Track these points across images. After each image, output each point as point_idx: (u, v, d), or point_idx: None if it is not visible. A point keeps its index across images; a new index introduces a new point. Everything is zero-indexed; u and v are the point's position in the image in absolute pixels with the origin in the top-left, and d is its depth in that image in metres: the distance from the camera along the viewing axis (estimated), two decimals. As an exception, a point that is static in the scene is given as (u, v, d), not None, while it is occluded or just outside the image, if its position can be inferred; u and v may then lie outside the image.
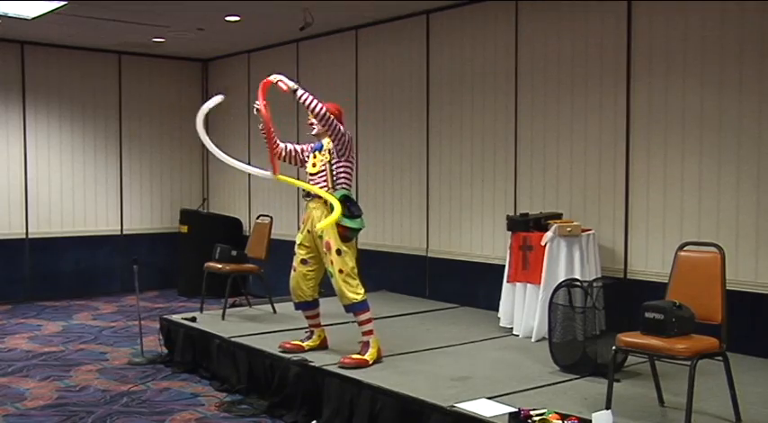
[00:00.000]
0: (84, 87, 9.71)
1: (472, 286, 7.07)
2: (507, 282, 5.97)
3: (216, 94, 5.09)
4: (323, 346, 5.41)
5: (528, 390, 4.45)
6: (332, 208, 4.96)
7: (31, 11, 7.45)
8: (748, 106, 5.26)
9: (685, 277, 4.08)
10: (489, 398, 4.22)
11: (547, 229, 5.68)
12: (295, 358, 5.11)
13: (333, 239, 5.04)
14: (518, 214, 6.32)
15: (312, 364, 5.00)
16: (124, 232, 10.01)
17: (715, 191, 5.44)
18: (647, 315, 3.86)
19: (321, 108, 5.00)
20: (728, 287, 4.04)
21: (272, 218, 7.22)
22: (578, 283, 4.91)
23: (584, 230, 5.80)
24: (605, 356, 4.52)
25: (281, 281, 7.97)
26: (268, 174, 5.04)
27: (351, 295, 5.03)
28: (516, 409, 3.92)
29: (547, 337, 5.11)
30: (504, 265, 6.07)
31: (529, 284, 5.76)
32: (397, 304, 7.19)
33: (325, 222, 4.93)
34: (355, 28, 8.24)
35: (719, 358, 3.90)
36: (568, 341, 4.86)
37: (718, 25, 5.40)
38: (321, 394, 4.85)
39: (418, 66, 7.62)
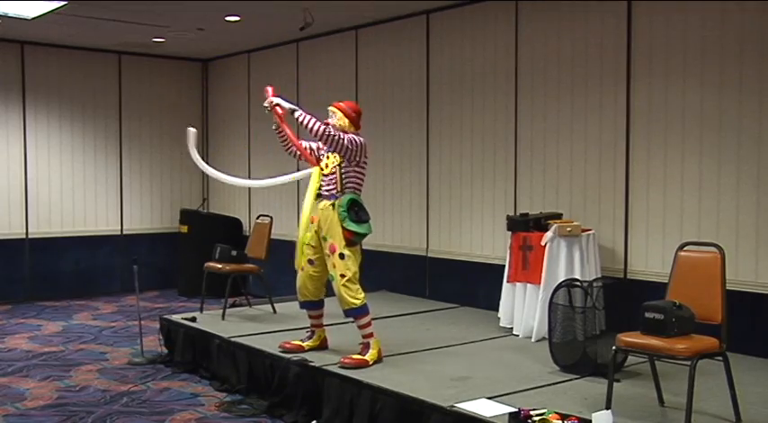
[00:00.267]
0: (84, 87, 9.71)
1: (472, 286, 7.07)
2: (507, 282, 5.97)
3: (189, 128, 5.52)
4: (323, 346, 5.41)
5: (528, 390, 4.45)
6: (339, 208, 4.96)
7: (31, 11, 7.45)
8: (748, 106, 5.26)
9: (685, 277, 4.08)
10: (489, 398, 4.22)
11: (547, 229, 5.68)
12: (295, 358, 5.11)
13: (337, 243, 5.02)
14: (518, 214, 6.32)
15: (312, 364, 5.00)
16: (124, 232, 10.01)
17: (715, 191, 5.44)
18: (647, 315, 3.86)
19: (319, 127, 4.96)
20: (728, 287, 4.04)
21: (272, 218, 7.22)
22: (578, 283, 4.91)
23: (584, 230, 5.80)
24: (605, 356, 4.52)
25: (281, 281, 8.00)
26: (289, 178, 5.13)
27: (350, 300, 5.01)
28: (516, 409, 3.92)
29: (547, 337, 5.11)
30: (504, 265, 6.07)
31: (529, 284, 5.76)
32: (397, 304, 7.19)
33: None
34: (355, 28, 8.24)
35: (719, 358, 3.90)
36: (568, 341, 4.86)
37: (718, 25, 5.40)
38: (321, 394, 4.85)
39: (418, 66, 7.62)
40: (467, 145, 7.17)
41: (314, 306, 5.36)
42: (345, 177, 5.06)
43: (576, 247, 5.65)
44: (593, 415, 3.67)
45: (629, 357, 4.76)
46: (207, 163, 10.55)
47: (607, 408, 3.89)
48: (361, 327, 5.08)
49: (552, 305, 4.94)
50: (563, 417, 3.79)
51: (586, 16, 6.20)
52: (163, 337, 6.57)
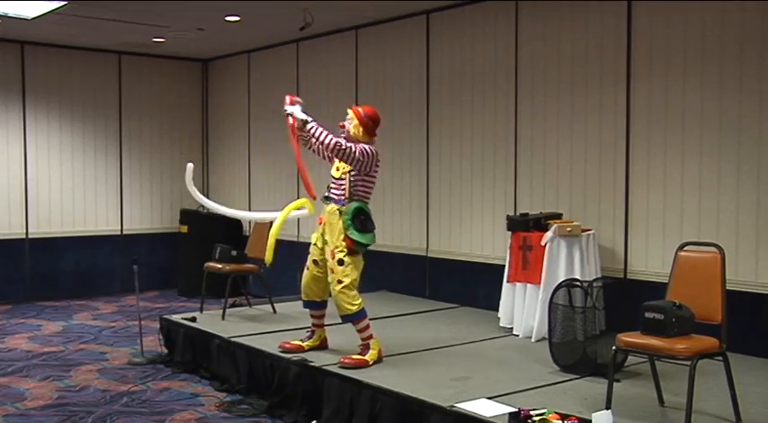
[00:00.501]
0: (84, 87, 9.71)
1: (472, 286, 7.07)
2: (507, 282, 5.97)
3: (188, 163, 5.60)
4: (323, 346, 5.41)
5: (528, 390, 4.45)
6: (345, 216, 4.93)
7: (31, 11, 7.44)
8: (748, 106, 5.26)
9: (685, 277, 4.08)
10: (489, 398, 4.22)
11: (547, 229, 5.68)
12: (295, 358, 5.11)
13: (338, 248, 5.02)
14: (518, 214, 6.32)
15: (312, 364, 5.00)
16: (124, 232, 10.01)
17: (715, 191, 5.43)
18: (647, 315, 3.86)
19: (331, 141, 4.92)
20: (728, 287, 4.04)
21: (272, 218, 7.22)
22: (578, 283, 4.91)
23: (584, 230, 5.80)
24: (605, 356, 4.52)
25: (281, 281, 8.01)
26: (275, 215, 5.18)
27: (346, 306, 5.00)
28: (516, 409, 3.92)
29: (547, 337, 5.11)
30: (504, 265, 6.07)
31: (529, 284, 5.76)
32: (397, 304, 7.19)
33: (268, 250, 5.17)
34: (355, 28, 8.24)
35: (719, 358, 3.90)
36: (568, 341, 4.86)
37: (718, 25, 5.40)
38: (321, 394, 4.85)
39: (418, 65, 7.62)
40: (467, 145, 7.17)
41: (317, 306, 5.36)
42: (354, 185, 5.03)
43: (576, 247, 5.65)
44: (593, 415, 3.66)
45: (629, 357, 4.76)
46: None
47: (607, 408, 3.89)
48: (359, 331, 5.08)
49: (552, 305, 4.94)
50: (563, 417, 3.79)
51: (586, 16, 6.20)
52: (163, 337, 6.57)
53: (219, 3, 7.22)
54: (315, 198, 5.23)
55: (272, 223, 7.09)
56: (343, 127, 5.12)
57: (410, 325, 6.34)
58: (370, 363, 4.95)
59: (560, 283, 5.01)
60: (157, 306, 8.94)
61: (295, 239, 8.89)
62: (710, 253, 4.05)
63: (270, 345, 5.47)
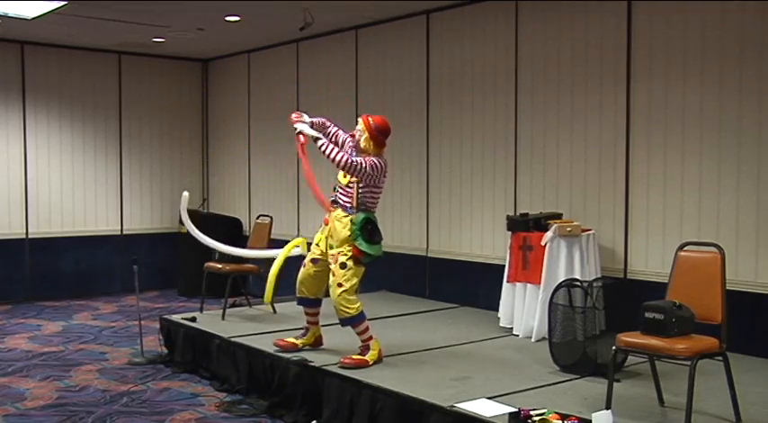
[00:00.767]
0: (84, 87, 9.71)
1: (472, 286, 7.07)
2: (507, 282, 5.97)
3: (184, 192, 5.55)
4: (317, 344, 5.42)
5: (528, 390, 4.45)
6: (353, 226, 4.93)
7: (31, 11, 7.44)
8: (748, 106, 5.26)
9: (685, 277, 4.08)
10: (489, 398, 4.22)
11: (547, 229, 5.68)
12: (295, 358, 5.11)
13: (342, 253, 5.01)
14: (518, 214, 6.32)
15: (312, 364, 5.00)
16: (124, 232, 10.01)
17: (715, 191, 5.43)
18: (647, 315, 3.86)
19: (342, 158, 4.91)
20: (728, 287, 4.04)
21: (272, 218, 7.23)
22: (578, 283, 4.91)
23: (584, 230, 5.80)
24: (605, 356, 4.52)
25: (282, 281, 7.97)
26: (276, 252, 5.16)
27: (346, 310, 5.00)
28: (516, 409, 3.92)
29: (547, 337, 5.11)
30: (504, 265, 6.07)
31: (529, 284, 5.76)
32: (397, 304, 7.19)
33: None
34: (355, 28, 8.24)
35: (719, 358, 3.90)
36: (568, 341, 4.86)
37: (718, 25, 5.40)
38: (321, 394, 4.85)
39: (418, 65, 7.62)
40: (467, 145, 7.17)
41: (311, 304, 5.36)
42: (362, 196, 5.02)
43: (576, 247, 5.65)
44: (593, 415, 3.67)
45: (629, 357, 4.76)
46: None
47: (607, 408, 3.89)
48: (359, 333, 5.08)
49: (552, 305, 4.94)
50: (563, 417, 3.80)
51: (586, 16, 6.19)
52: (163, 337, 6.57)
53: (219, 3, 7.22)
54: (330, 212, 5.17)
55: (271, 223, 7.14)
56: (354, 136, 5.11)
57: (410, 325, 6.34)
58: (370, 363, 4.95)
59: (560, 283, 5.01)
60: (157, 306, 8.94)
61: (293, 239, 8.87)
62: (710, 253, 4.05)
63: (270, 345, 5.46)
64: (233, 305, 7.09)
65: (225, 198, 10.43)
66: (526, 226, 5.87)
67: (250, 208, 9.83)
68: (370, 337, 5.06)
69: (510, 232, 6.00)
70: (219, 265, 6.91)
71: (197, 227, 9.61)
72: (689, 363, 3.73)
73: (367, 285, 7.72)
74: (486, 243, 7.00)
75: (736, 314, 4.30)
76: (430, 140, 7.54)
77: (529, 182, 6.64)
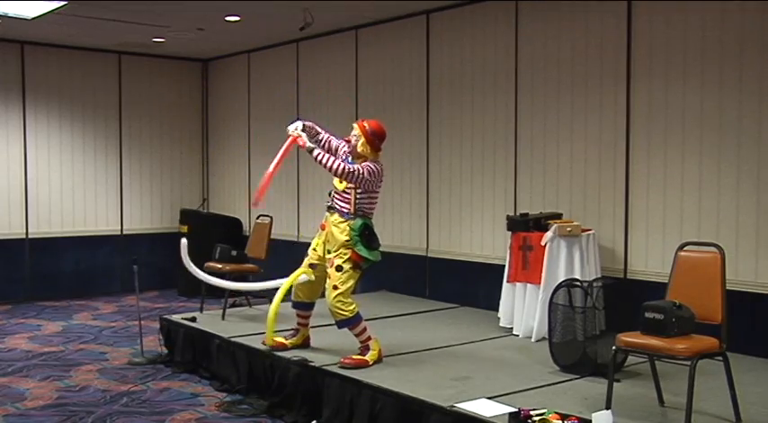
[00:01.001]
0: (84, 87, 9.71)
1: (472, 286, 7.07)
2: (507, 282, 5.97)
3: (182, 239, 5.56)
4: (305, 344, 5.44)
5: (528, 390, 4.45)
6: (352, 232, 4.95)
7: (31, 11, 7.44)
8: (748, 106, 5.26)
9: (685, 277, 4.08)
10: (489, 398, 4.22)
11: (547, 229, 5.68)
12: (295, 358, 5.11)
13: (338, 256, 5.02)
14: (518, 214, 6.32)
15: (312, 364, 5.00)
16: (124, 232, 10.01)
17: (715, 191, 5.43)
18: (647, 315, 3.86)
19: (338, 166, 4.92)
20: (728, 287, 4.04)
21: (272, 218, 7.22)
22: (578, 283, 4.91)
23: (584, 230, 5.80)
24: (605, 356, 4.52)
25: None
26: (280, 282, 5.17)
27: (340, 312, 5.02)
28: (516, 409, 3.92)
29: (547, 337, 5.11)
30: (504, 265, 6.07)
31: (529, 284, 5.76)
32: (397, 304, 7.18)
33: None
34: (355, 28, 8.24)
35: (719, 358, 3.91)
36: (568, 341, 4.86)
37: (718, 25, 5.40)
38: (321, 394, 4.85)
39: (418, 65, 7.62)
40: (467, 145, 7.17)
41: (306, 307, 5.40)
42: (360, 202, 5.03)
43: (576, 247, 5.65)
44: (593, 415, 3.66)
45: (629, 357, 4.76)
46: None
47: (607, 408, 3.89)
48: (357, 335, 5.09)
49: (552, 305, 4.93)
50: (563, 417, 3.79)
51: (586, 16, 6.19)
52: (163, 337, 6.57)
53: (219, 3, 7.22)
54: (256, 206, 5.28)
55: (271, 223, 7.14)
56: (349, 142, 5.11)
57: (410, 325, 6.34)
58: (370, 363, 4.95)
59: (560, 283, 5.01)
60: (157, 306, 8.94)
61: (295, 239, 8.89)
62: (710, 253, 4.05)
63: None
64: (233, 305, 7.09)
65: (225, 198, 10.43)
66: (526, 226, 5.88)
67: (250, 208, 9.82)
68: (369, 338, 5.06)
69: (510, 232, 6.00)
70: (219, 265, 6.91)
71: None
72: (689, 363, 3.73)
73: (367, 285, 7.74)
74: (486, 243, 7.00)
75: (736, 314, 4.30)
76: (430, 140, 7.54)
77: (529, 182, 6.64)
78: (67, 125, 9.59)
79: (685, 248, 4.17)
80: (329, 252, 5.09)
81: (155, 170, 10.29)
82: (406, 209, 7.79)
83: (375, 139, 5.06)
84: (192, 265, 5.88)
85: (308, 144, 5.09)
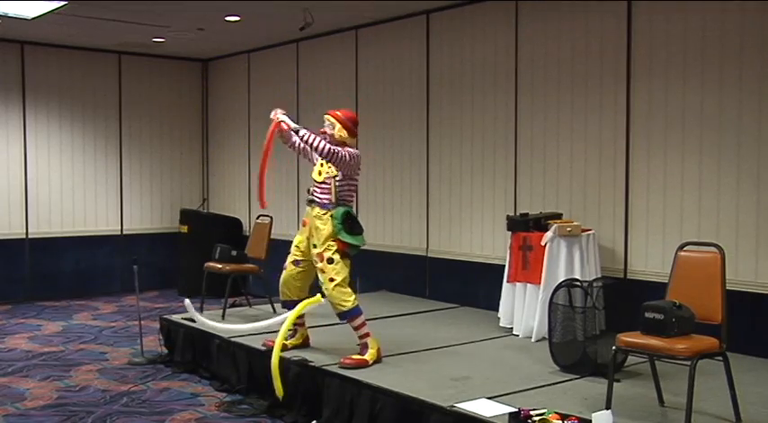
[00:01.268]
0: (85, 87, 9.71)
1: (472, 286, 7.07)
2: (507, 282, 5.97)
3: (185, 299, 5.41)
4: (305, 344, 5.45)
5: (528, 390, 4.45)
6: (334, 220, 5.00)
7: (31, 11, 7.45)
8: (748, 106, 5.26)
9: (685, 277, 4.08)
10: (489, 398, 4.22)
11: (547, 229, 5.68)
12: (295, 358, 5.11)
13: (327, 249, 5.06)
14: (518, 214, 6.32)
15: (312, 364, 5.00)
16: (124, 232, 10.01)
17: (715, 191, 5.43)
18: (647, 315, 3.86)
19: (324, 146, 4.99)
20: (728, 287, 4.04)
21: (272, 218, 7.22)
22: (578, 283, 4.91)
23: (584, 230, 5.80)
24: (605, 356, 4.52)
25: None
26: (279, 319, 5.12)
27: (342, 303, 5.04)
28: (516, 409, 3.92)
29: (547, 337, 5.11)
30: (504, 265, 6.07)
31: (529, 284, 5.76)
32: (397, 304, 7.18)
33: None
34: (355, 28, 8.24)
35: (719, 358, 3.90)
36: (568, 341, 4.86)
37: (718, 25, 5.40)
38: (321, 394, 4.85)
39: (418, 65, 7.62)
40: (467, 145, 7.17)
41: (295, 306, 5.37)
42: (340, 189, 5.10)
43: (576, 247, 5.65)
44: (593, 415, 3.66)
45: (629, 357, 4.76)
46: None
47: (607, 408, 3.89)
48: (355, 328, 5.09)
49: (552, 305, 4.94)
50: (563, 417, 3.79)
51: (586, 16, 6.19)
52: (163, 337, 6.58)
53: (219, 3, 7.22)
54: (264, 206, 5.41)
55: (271, 223, 7.13)
56: (325, 133, 5.17)
57: (410, 325, 6.34)
58: (370, 362, 4.95)
59: (560, 283, 5.01)
60: (157, 306, 8.94)
61: (293, 239, 8.88)
62: (710, 253, 4.05)
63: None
64: (233, 305, 7.09)
65: (225, 198, 10.43)
66: (526, 226, 5.87)
67: (250, 208, 9.83)
68: (368, 334, 5.07)
69: (510, 232, 6.00)
70: (219, 266, 6.91)
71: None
72: (689, 363, 3.73)
73: (367, 285, 7.74)
74: (486, 243, 7.00)
75: (736, 314, 4.30)
76: (430, 140, 7.54)
77: (529, 182, 6.64)
78: (67, 125, 9.59)
79: (685, 248, 4.17)
80: (315, 247, 5.11)
81: (155, 170, 10.29)
82: (406, 209, 7.79)
83: (350, 123, 5.20)
84: (198, 315, 5.63)
85: (293, 125, 5.21)
